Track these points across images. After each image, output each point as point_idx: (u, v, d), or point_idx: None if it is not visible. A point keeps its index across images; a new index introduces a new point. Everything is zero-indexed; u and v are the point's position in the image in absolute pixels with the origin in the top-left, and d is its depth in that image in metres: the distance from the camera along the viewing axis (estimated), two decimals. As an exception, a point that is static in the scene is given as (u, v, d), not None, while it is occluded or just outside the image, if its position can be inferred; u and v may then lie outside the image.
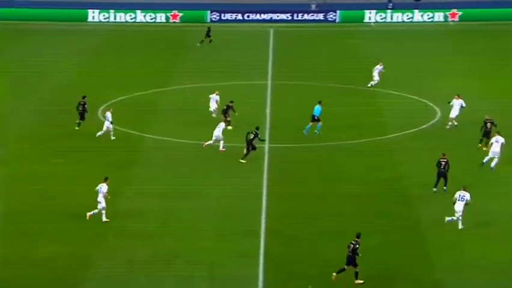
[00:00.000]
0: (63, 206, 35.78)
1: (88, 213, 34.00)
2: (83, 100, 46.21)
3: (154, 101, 51.07)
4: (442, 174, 36.95)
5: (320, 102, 46.04)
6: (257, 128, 41.95)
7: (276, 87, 55.27)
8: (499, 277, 29.79)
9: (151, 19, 78.18)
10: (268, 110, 49.57)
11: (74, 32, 73.54)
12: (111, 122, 44.01)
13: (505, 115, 47.82)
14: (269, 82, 56.68)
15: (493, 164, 39.50)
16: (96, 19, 78.08)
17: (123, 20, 78.03)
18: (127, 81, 56.67)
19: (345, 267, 29.48)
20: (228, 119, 45.16)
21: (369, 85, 54.34)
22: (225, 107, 45.82)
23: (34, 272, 30.42)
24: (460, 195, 33.30)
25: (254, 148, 41.28)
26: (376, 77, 54.40)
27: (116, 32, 74.57)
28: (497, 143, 39.57)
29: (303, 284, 29.30)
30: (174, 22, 78.08)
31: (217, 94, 47.03)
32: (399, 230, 33.65)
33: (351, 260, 29.39)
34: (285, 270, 30.55)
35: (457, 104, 45.68)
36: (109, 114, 44.30)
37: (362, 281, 29.37)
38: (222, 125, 42.62)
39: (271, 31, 73.95)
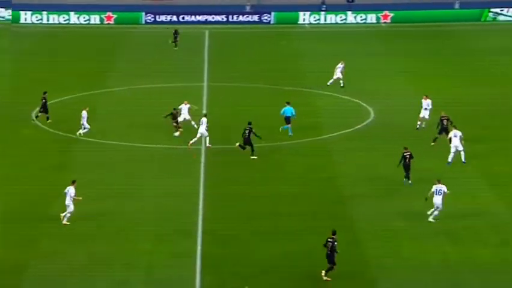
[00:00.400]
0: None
1: (62, 214, 33.55)
2: (44, 96, 46.76)
3: (89, 103, 50.46)
4: (407, 166, 37.84)
5: (288, 103, 46.25)
6: (249, 123, 41.82)
7: (212, 89, 55.29)
8: (431, 277, 30.26)
9: (85, 21, 77.41)
10: (204, 112, 49.52)
11: (5, 33, 72.37)
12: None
13: (438, 115, 48.80)
14: (205, 84, 56.67)
15: (463, 158, 40.64)
16: (28, 21, 76.97)
17: (56, 21, 77.07)
18: (60, 84, 55.98)
19: (329, 265, 29.51)
20: (177, 125, 44.78)
21: (328, 83, 54.68)
22: (170, 114, 45.10)
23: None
24: (436, 189, 33.87)
25: (250, 144, 41.33)
26: (338, 75, 54.62)
27: (49, 33, 73.65)
28: (455, 137, 40.76)
29: (240, 285, 29.40)
30: (108, 24, 77.46)
31: (186, 104, 46.02)
32: (336, 229, 33.90)
33: (331, 258, 29.35)
34: (222, 271, 30.60)
35: (425, 104, 46.26)
36: (84, 113, 44.12)
37: (329, 279, 29.43)
38: (204, 120, 42.59)
39: (207, 33, 73.95)
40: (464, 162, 40.60)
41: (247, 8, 79.78)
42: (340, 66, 55.36)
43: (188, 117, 45.45)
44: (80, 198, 33.82)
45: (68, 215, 33.69)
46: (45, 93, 47.31)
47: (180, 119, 45.31)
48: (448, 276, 30.19)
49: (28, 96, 52.41)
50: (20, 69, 60.45)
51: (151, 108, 49.12)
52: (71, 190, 33.77)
